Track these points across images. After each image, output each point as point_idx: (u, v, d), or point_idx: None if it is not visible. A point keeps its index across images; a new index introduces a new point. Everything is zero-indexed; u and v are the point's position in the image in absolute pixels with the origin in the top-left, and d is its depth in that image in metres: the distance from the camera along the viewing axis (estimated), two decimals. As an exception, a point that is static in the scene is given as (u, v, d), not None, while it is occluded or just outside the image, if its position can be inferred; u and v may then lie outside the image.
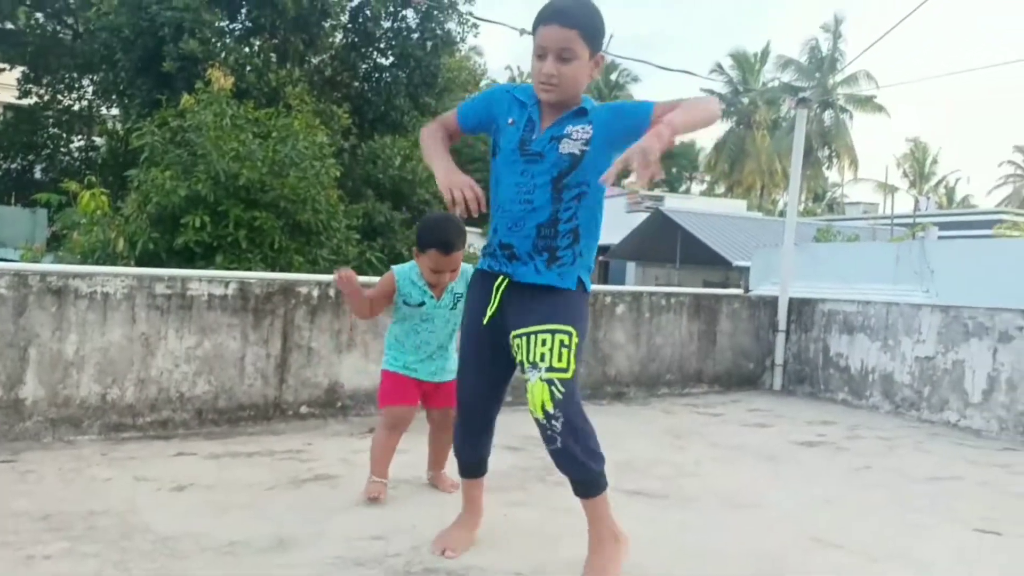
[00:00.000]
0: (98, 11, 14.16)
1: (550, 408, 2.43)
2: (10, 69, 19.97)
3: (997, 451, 5.07)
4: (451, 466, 3.15)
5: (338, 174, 10.90)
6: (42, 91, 19.80)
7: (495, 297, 2.63)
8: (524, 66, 38.18)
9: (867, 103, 40.78)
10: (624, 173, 2.34)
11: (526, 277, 2.58)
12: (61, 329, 4.10)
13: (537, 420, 2.50)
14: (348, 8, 16.21)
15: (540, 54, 2.48)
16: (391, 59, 16.75)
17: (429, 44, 16.36)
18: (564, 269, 2.58)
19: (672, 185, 50.84)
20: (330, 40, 16.78)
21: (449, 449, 3.24)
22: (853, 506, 3.69)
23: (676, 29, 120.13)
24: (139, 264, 8.14)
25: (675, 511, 3.47)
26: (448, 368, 3.41)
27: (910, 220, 21.78)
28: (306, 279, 4.96)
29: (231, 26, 15.51)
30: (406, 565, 2.71)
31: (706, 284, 22.63)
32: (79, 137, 21.05)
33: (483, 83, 40.59)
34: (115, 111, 18.16)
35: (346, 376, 4.97)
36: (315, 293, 4.86)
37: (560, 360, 2.47)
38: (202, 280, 4.55)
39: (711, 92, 43.43)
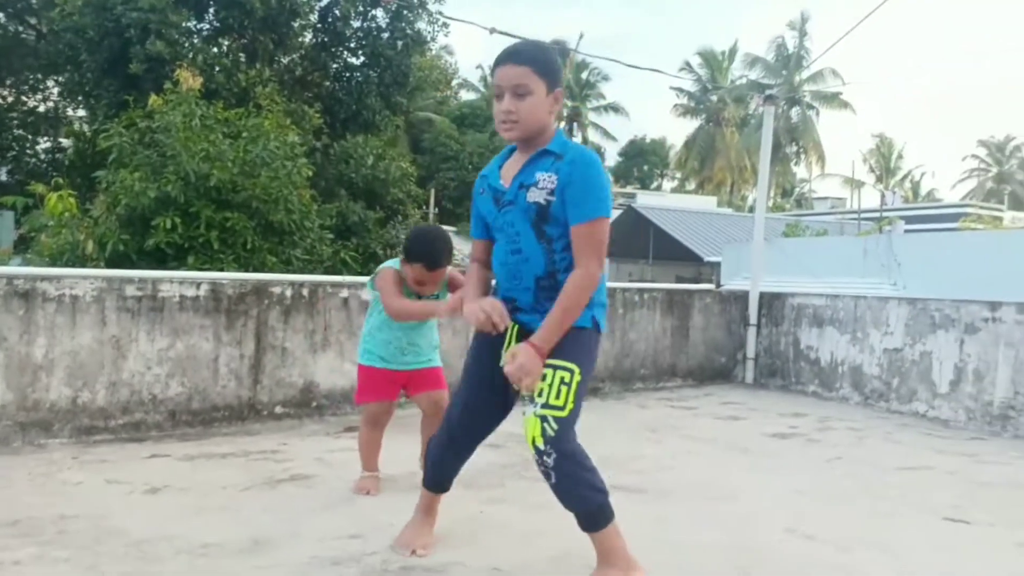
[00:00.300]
0: (62, 12, 13.91)
1: (540, 444, 2.43)
2: (-28, 71, 19.63)
3: (965, 440, 5.16)
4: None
5: (310, 174, 10.85)
6: (6, 92, 19.48)
7: (510, 339, 2.60)
8: (495, 65, 37.96)
9: (833, 100, 41.24)
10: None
11: (536, 324, 2.53)
12: (29, 332, 4.04)
13: (533, 454, 2.49)
14: (317, 8, 16.10)
15: (498, 94, 2.51)
16: (362, 59, 16.70)
17: (400, 43, 16.34)
18: None
19: (644, 182, 51.20)
20: (300, 40, 16.66)
21: None
22: (825, 497, 3.75)
23: (645, 28, 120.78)
24: (109, 266, 8.03)
25: (653, 505, 3.50)
26: (424, 356, 3.43)
27: (877, 214, 22.04)
28: (279, 279, 4.93)
29: (199, 26, 15.34)
30: (383, 563, 2.71)
31: (678, 280, 22.80)
32: (45, 139, 20.71)
33: (454, 82, 40.69)
34: (82, 112, 17.88)
35: (321, 376, 4.95)
36: (288, 293, 4.83)
37: (558, 398, 2.45)
38: (173, 281, 4.51)
39: (680, 90, 43.83)
